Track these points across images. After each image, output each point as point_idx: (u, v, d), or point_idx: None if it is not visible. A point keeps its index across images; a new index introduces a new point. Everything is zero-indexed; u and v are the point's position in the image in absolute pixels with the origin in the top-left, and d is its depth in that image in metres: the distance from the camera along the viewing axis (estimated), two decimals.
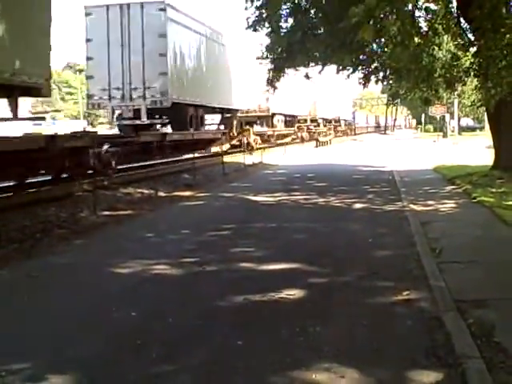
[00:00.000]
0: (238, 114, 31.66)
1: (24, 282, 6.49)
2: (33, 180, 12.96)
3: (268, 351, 4.43)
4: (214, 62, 26.29)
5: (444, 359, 4.14)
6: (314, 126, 50.01)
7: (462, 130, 56.26)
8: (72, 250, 8.24)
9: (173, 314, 5.28)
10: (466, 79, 17.61)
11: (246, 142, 29.17)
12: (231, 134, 29.47)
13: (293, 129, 43.00)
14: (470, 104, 23.07)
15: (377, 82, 19.21)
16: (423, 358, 4.19)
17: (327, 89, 47.38)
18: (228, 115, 29.71)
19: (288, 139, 40.26)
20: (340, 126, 62.69)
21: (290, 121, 43.33)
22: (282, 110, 39.44)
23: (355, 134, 68.40)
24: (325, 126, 55.15)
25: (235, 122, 30.49)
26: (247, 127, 31.54)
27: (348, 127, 68.99)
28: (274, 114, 37.87)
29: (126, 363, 4.30)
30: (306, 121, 47.28)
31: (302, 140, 43.29)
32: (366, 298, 5.62)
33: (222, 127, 29.59)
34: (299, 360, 4.21)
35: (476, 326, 4.73)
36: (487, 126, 22.10)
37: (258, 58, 18.03)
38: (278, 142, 37.07)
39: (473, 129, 67.11)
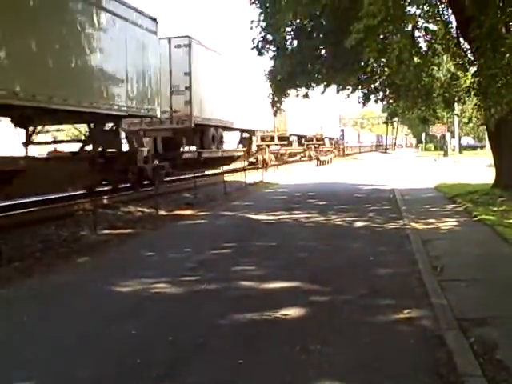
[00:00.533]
0: (129, 127, 18.98)
1: (24, 302, 6.47)
2: (34, 199, 13.04)
3: (269, 369, 4.40)
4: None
5: (446, 377, 4.11)
6: (285, 145, 40.20)
7: (462, 148, 56.48)
8: (72, 269, 8.21)
9: (173, 333, 5.24)
10: (466, 98, 17.70)
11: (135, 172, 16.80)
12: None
13: (243, 149, 31.80)
14: (467, 121, 23.12)
15: (376, 101, 19.34)
16: (425, 376, 4.16)
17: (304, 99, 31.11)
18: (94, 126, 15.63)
19: (236, 165, 29.44)
20: (323, 144, 50.60)
21: (247, 138, 32.24)
22: (229, 120, 26.84)
23: (344, 155, 59.10)
24: (301, 145, 44.91)
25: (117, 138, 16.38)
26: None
27: (335, 146, 57.51)
28: (202, 127, 23.93)
29: (126, 382, 4.26)
30: (272, 138, 37.31)
31: (265, 164, 32.01)
32: (368, 317, 5.58)
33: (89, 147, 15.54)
34: (300, 378, 4.18)
35: (478, 344, 4.70)
36: (488, 144, 22.16)
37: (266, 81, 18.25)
38: (221, 169, 25.16)
39: (474, 147, 67.28)
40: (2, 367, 4.57)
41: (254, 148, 33.06)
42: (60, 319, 5.80)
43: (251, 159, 32.26)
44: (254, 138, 33.28)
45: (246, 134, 32.29)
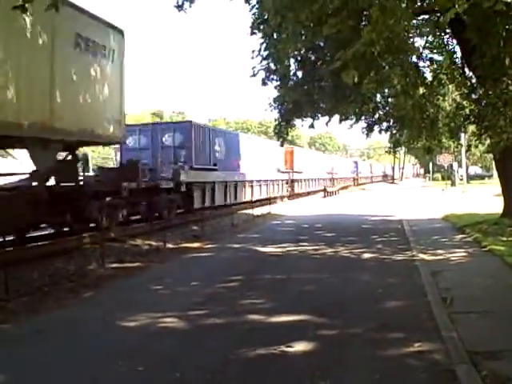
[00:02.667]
0: None
1: (31, 337, 6.43)
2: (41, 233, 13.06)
3: None
4: None
5: None
6: None
7: (470, 178, 56.31)
8: (80, 304, 8.19)
9: (180, 368, 5.19)
10: (466, 126, 17.69)
11: None
12: None
13: None
14: (466, 149, 23.20)
15: (380, 131, 19.30)
16: None
17: None
18: None
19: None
20: None
21: None
22: None
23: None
24: None
25: None
26: None
27: None
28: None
29: None
30: None
31: None
32: (378, 351, 5.51)
33: None
34: None
35: (490, 378, 4.63)
36: (496, 173, 22.13)
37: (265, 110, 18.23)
38: None
39: (481, 177, 67.11)
40: None
41: None
42: (66, 356, 5.73)
43: None
44: None
45: None
